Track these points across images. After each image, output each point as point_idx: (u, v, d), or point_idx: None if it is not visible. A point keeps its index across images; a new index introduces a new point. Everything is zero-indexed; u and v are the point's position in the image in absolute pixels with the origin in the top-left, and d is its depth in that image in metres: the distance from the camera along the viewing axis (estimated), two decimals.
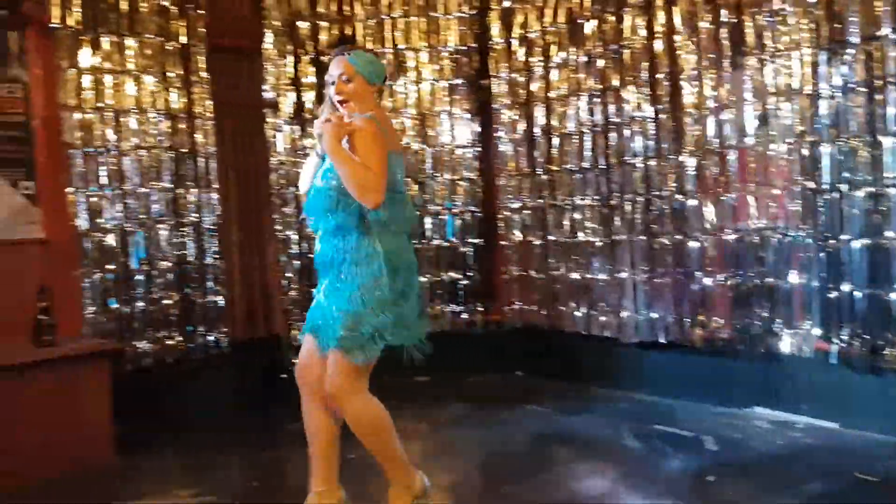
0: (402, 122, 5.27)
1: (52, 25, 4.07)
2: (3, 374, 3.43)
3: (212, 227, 4.73)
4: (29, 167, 4.05)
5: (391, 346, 2.70)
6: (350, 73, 2.73)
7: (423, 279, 5.28)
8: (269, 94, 5.05)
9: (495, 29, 5.16)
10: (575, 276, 4.86)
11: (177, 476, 3.62)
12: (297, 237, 5.11)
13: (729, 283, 4.18)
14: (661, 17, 4.35)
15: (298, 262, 5.12)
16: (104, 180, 4.26)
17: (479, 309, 5.32)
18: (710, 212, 4.24)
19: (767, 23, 3.93)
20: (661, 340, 4.47)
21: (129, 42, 4.37)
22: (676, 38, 4.30)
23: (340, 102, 2.74)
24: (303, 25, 5.17)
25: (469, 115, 5.28)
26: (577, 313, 4.86)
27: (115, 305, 4.29)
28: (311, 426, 2.81)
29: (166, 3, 4.53)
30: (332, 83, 2.76)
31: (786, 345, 3.97)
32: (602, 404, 4.48)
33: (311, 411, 2.81)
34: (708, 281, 4.27)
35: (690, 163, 4.30)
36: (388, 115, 5.19)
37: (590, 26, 4.69)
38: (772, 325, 4.02)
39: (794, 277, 3.93)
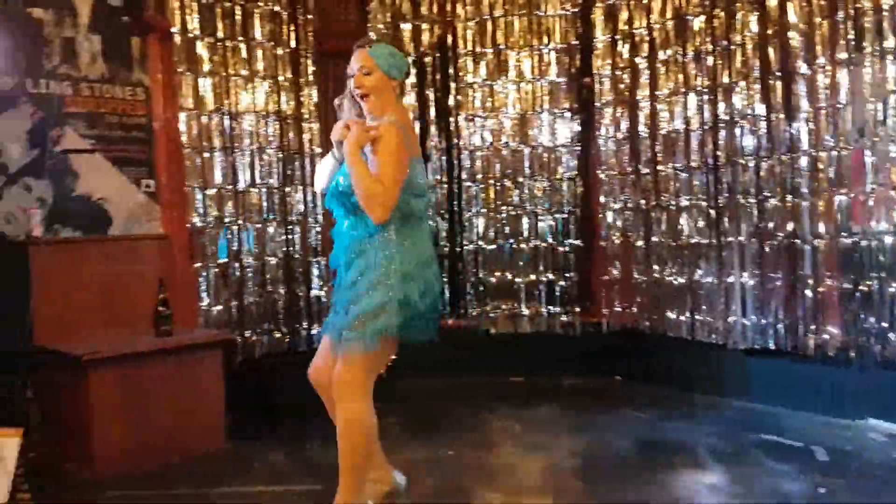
0: (501, 122, 5.29)
1: (171, 32, 4.29)
2: (126, 362, 3.64)
3: (315, 224, 4.88)
4: (150, 166, 4.28)
5: (405, 342, 2.67)
6: (370, 66, 2.68)
7: (518, 279, 5.29)
8: None
9: (599, 26, 5.10)
10: (679, 278, 4.76)
11: (284, 465, 3.74)
12: None
13: (843, 288, 4.00)
14: (774, 11, 4.21)
15: None
16: (218, 179, 4.46)
17: (577, 311, 5.26)
18: (824, 214, 4.07)
19: (888, 17, 3.74)
20: (770, 347, 4.32)
21: (243, 47, 4.55)
22: (791, 33, 4.15)
23: (360, 96, 2.71)
24: (405, 27, 5.27)
25: (569, 114, 5.24)
26: (680, 317, 4.75)
27: (226, 299, 4.48)
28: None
29: (278, 9, 4.69)
30: (352, 76, 2.72)
31: None
32: (706, 411, 4.37)
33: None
34: (821, 286, 4.10)
35: (804, 162, 4.14)
36: (487, 112, 5.25)
37: (698, 22, 4.57)
38: (888, 333, 3.82)
39: None
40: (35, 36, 3.94)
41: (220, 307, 4.45)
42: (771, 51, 4.25)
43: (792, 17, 4.14)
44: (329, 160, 2.80)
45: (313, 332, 4.83)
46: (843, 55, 3.94)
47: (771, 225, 4.30)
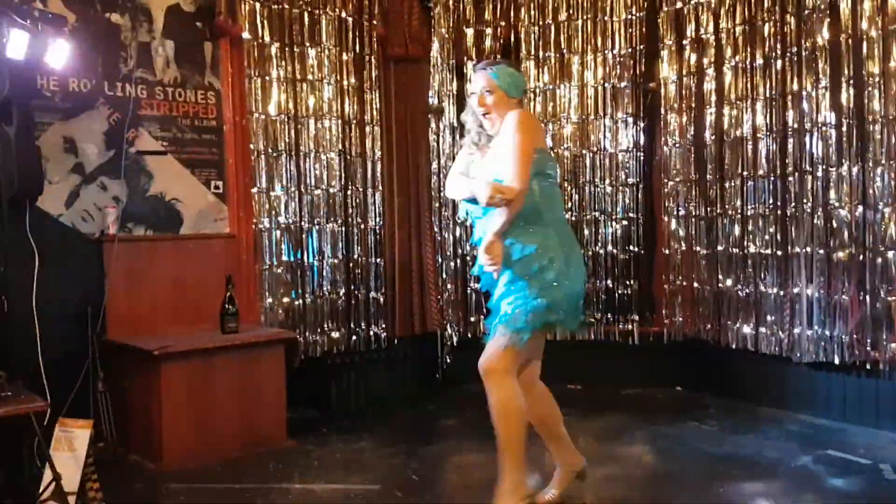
0: (562, 128, 5.27)
1: (242, 37, 4.40)
2: (195, 358, 3.75)
3: (375, 227, 4.94)
4: (219, 168, 4.40)
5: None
6: (491, 87, 2.90)
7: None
8: (433, 100, 5.20)
9: (665, 31, 5.04)
10: (744, 289, 4.66)
11: (343, 464, 3.80)
12: (452, 239, 5.24)
13: None
14: (845, 17, 4.10)
15: (454, 263, 5.25)
16: (284, 181, 4.55)
17: (637, 319, 5.20)
18: (893, 224, 3.94)
19: None
20: (835, 360, 4.21)
21: (310, 52, 4.64)
22: (864, 40, 4.03)
23: (483, 114, 2.92)
24: (469, 32, 5.30)
25: (633, 120, 5.19)
26: (744, 328, 4.65)
27: (288, 299, 4.57)
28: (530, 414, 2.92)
29: (344, 15, 4.77)
30: (474, 94, 2.95)
31: None
32: (770, 425, 4.27)
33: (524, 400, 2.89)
34: (890, 298, 3.97)
35: (876, 172, 4.02)
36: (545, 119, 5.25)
37: (767, 27, 4.48)
38: None
39: None
40: (113, 40, 4.09)
41: (282, 306, 4.54)
42: (842, 57, 4.13)
43: (864, 23, 4.02)
44: (460, 177, 2.98)
45: (371, 332, 4.89)
46: None
47: (838, 235, 4.18)
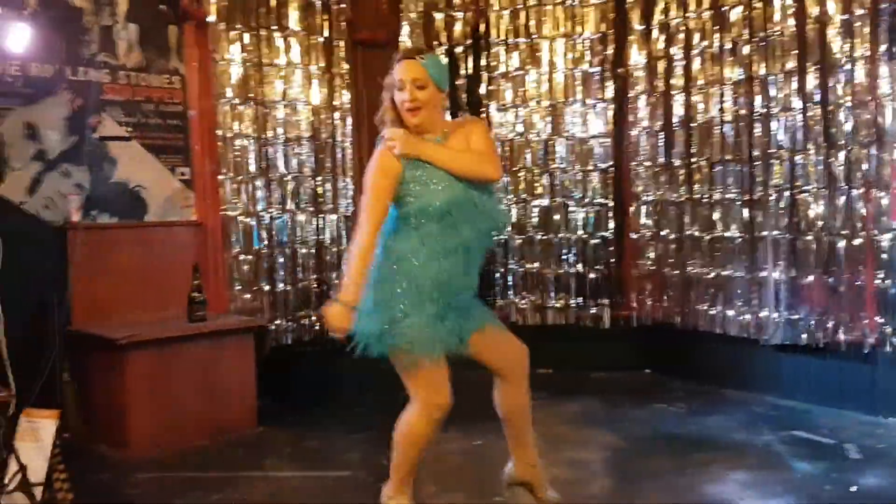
0: (533, 112, 5.25)
1: (207, 20, 4.33)
2: (161, 347, 3.71)
3: (346, 213, 4.91)
4: (185, 154, 4.34)
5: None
6: (423, 79, 2.52)
7: (547, 270, 5.26)
8: None
9: (634, 16, 5.04)
10: (711, 272, 4.71)
11: (313, 451, 3.79)
12: None
13: (877, 284, 3.94)
14: (811, 3, 4.13)
15: None
16: (251, 167, 4.50)
17: (606, 303, 5.23)
18: (860, 209, 4.00)
19: None
20: (802, 343, 4.27)
21: (277, 36, 4.58)
22: (829, 26, 4.07)
23: (411, 110, 2.53)
24: (438, 17, 5.26)
25: (603, 105, 5.20)
26: (711, 311, 4.71)
27: (257, 287, 4.53)
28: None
29: None
30: (401, 89, 2.53)
31: None
32: (736, 407, 4.33)
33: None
34: (854, 282, 4.03)
35: (840, 157, 4.08)
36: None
37: (735, 13, 4.51)
38: None
39: None
40: (75, 24, 4.00)
41: (251, 294, 4.50)
42: (808, 43, 4.17)
43: (831, 8, 4.06)
44: None
45: None
46: (883, 48, 3.86)
47: (804, 219, 4.24)
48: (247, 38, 4.47)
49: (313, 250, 4.78)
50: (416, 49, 2.87)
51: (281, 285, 4.63)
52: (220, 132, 4.40)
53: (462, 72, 5.34)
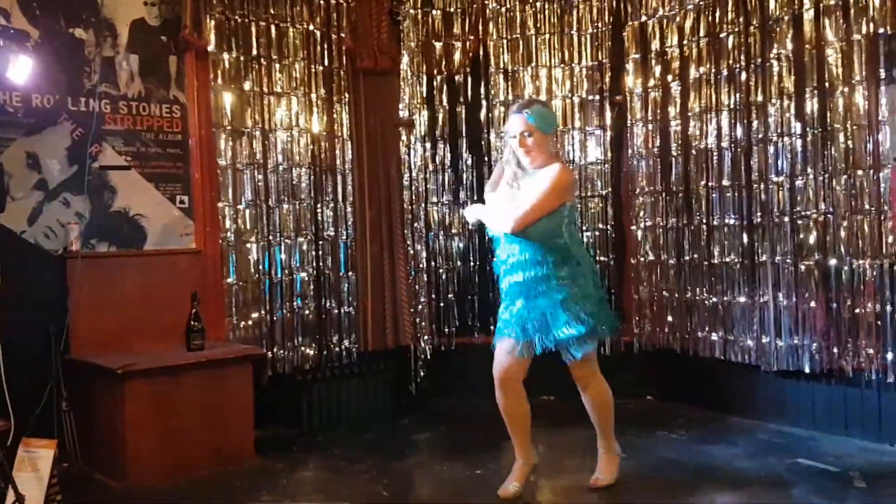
0: None
1: (208, 50, 4.37)
2: (160, 376, 3.69)
3: (347, 240, 4.91)
4: (185, 182, 4.35)
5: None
6: (530, 129, 3.21)
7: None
8: (404, 113, 5.20)
9: (631, 44, 5.08)
10: (712, 298, 4.69)
11: (312, 481, 3.76)
12: (424, 252, 5.23)
13: (880, 310, 3.91)
14: (809, 28, 4.16)
15: (426, 276, 5.23)
16: (250, 195, 4.51)
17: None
18: (862, 234, 3.99)
19: None
20: (806, 370, 4.24)
21: (277, 66, 4.62)
22: (828, 50, 4.09)
23: (525, 154, 3.25)
24: (438, 46, 5.31)
25: (601, 132, 5.22)
26: (713, 337, 4.68)
27: (256, 314, 4.52)
28: (515, 413, 3.40)
29: (312, 28, 4.76)
30: (514, 137, 3.25)
31: None
32: (740, 434, 4.29)
33: (512, 401, 3.37)
34: (857, 307, 4.01)
35: (841, 182, 4.07)
36: None
37: (732, 40, 4.54)
38: None
39: None
40: (76, 55, 4.04)
41: (250, 322, 4.49)
42: (806, 68, 4.19)
43: (829, 34, 4.08)
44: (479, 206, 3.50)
45: (343, 346, 4.86)
46: (882, 72, 3.88)
47: (806, 245, 4.22)
48: (248, 66, 4.50)
49: (313, 278, 4.77)
50: (524, 103, 3.34)
51: (280, 313, 4.61)
52: (219, 160, 4.42)
53: (461, 99, 5.38)
